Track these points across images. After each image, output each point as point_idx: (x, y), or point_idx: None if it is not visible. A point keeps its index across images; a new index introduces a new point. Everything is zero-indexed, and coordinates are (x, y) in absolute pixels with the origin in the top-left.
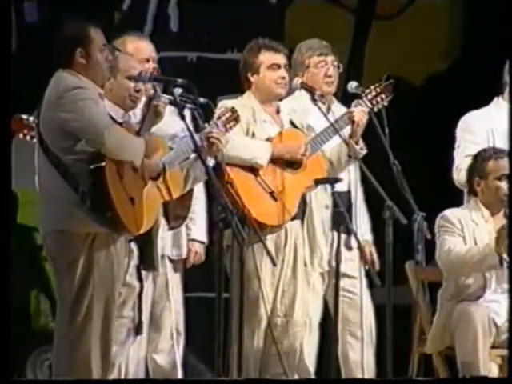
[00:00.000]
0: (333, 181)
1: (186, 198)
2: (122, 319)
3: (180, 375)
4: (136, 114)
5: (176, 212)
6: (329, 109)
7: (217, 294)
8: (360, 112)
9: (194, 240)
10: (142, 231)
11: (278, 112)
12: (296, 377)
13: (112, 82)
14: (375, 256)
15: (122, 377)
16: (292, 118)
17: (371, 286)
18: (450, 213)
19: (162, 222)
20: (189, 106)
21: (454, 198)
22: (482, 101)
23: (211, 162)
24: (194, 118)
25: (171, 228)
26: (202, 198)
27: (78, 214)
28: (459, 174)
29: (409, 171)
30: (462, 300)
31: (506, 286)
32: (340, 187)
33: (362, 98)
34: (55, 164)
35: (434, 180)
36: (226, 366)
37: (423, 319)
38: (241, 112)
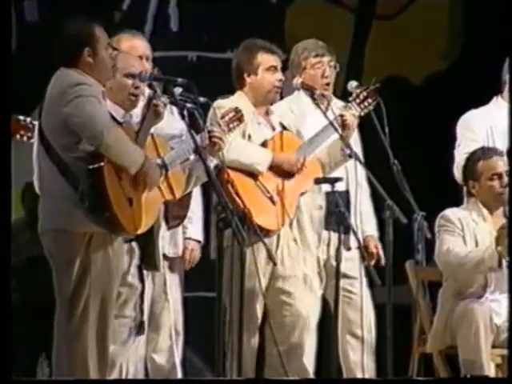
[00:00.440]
0: (333, 181)
1: (185, 197)
2: (124, 319)
3: (179, 375)
4: (137, 114)
5: (175, 212)
6: (328, 105)
7: (217, 294)
8: (351, 116)
9: (189, 238)
10: (139, 232)
11: (267, 114)
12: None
13: (111, 81)
14: (381, 252)
15: (123, 377)
16: (282, 121)
17: (371, 285)
18: (451, 212)
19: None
20: (189, 105)
21: (454, 198)
22: (482, 100)
23: (212, 163)
24: (194, 118)
25: (170, 227)
26: (199, 196)
27: (76, 213)
28: (460, 172)
29: (409, 171)
30: (463, 299)
31: (506, 285)
32: (338, 186)
33: (350, 102)
34: (56, 162)
35: (433, 180)
36: (225, 366)
37: (423, 319)
38: None
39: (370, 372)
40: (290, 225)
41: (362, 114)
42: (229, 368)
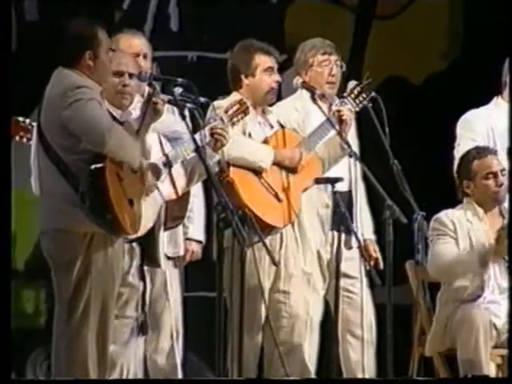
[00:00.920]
0: (333, 180)
1: (184, 198)
2: (125, 319)
3: (180, 375)
4: (136, 113)
5: (174, 212)
6: (330, 106)
7: (217, 294)
8: (348, 111)
9: (190, 239)
10: (139, 234)
11: (264, 113)
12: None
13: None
14: (378, 254)
15: (124, 377)
16: (287, 119)
17: (372, 285)
18: (444, 214)
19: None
20: (189, 105)
21: (454, 198)
22: (482, 100)
23: (215, 158)
24: (194, 118)
25: (167, 228)
26: (201, 196)
27: (76, 214)
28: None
29: (409, 171)
30: (462, 302)
31: (504, 285)
32: (341, 187)
33: (345, 97)
34: (55, 162)
35: (434, 180)
36: (226, 366)
37: (423, 319)
38: None
39: (370, 372)
40: (292, 224)
41: (358, 109)
42: (229, 368)
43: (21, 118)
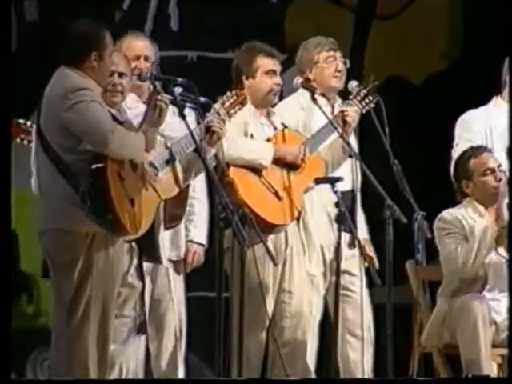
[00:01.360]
0: (333, 180)
1: (182, 196)
2: (124, 319)
3: (181, 375)
4: (140, 113)
5: (172, 211)
6: (333, 108)
7: (217, 294)
8: (353, 112)
9: (192, 241)
10: (140, 233)
11: (268, 115)
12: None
13: None
14: (374, 254)
15: (123, 376)
16: (285, 122)
17: (371, 285)
18: (448, 213)
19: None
20: (189, 105)
21: (454, 198)
22: (482, 100)
23: (211, 152)
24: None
25: (167, 228)
26: (204, 199)
27: (77, 214)
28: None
29: (409, 170)
30: (462, 296)
31: (504, 284)
32: (344, 186)
33: (351, 99)
34: (55, 162)
35: (433, 179)
36: (226, 366)
37: (423, 319)
38: (239, 114)
39: (368, 371)
40: (298, 225)
41: (364, 111)
42: (231, 368)
43: (21, 121)
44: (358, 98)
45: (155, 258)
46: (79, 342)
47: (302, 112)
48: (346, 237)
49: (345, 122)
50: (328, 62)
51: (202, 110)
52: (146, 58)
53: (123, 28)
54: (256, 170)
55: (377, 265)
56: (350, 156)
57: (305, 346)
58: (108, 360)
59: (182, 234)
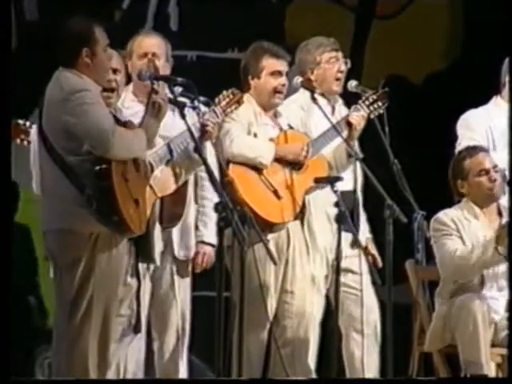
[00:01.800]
0: (333, 180)
1: (180, 194)
2: (119, 317)
3: (183, 375)
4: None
5: (171, 209)
6: (333, 109)
7: (217, 294)
8: (359, 116)
9: (203, 242)
10: (142, 232)
11: (276, 116)
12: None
13: None
14: (376, 253)
15: (121, 375)
16: (294, 120)
17: (373, 284)
18: (443, 214)
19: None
20: (189, 104)
21: (454, 197)
22: (482, 100)
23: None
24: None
25: (166, 226)
26: (215, 199)
27: (82, 214)
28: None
29: (409, 170)
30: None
31: (503, 283)
32: (344, 186)
33: (359, 103)
34: (59, 164)
35: (433, 179)
36: (226, 366)
37: (423, 318)
38: (243, 113)
39: (374, 370)
40: (302, 225)
41: (372, 116)
42: (231, 367)
43: (21, 121)
44: (367, 102)
45: (149, 258)
46: (79, 342)
47: (302, 112)
48: (347, 236)
49: (349, 124)
50: (330, 62)
51: (202, 110)
52: (154, 55)
53: (123, 27)
54: (256, 168)
55: (380, 264)
56: (350, 156)
57: (307, 345)
58: (108, 361)
59: (191, 235)
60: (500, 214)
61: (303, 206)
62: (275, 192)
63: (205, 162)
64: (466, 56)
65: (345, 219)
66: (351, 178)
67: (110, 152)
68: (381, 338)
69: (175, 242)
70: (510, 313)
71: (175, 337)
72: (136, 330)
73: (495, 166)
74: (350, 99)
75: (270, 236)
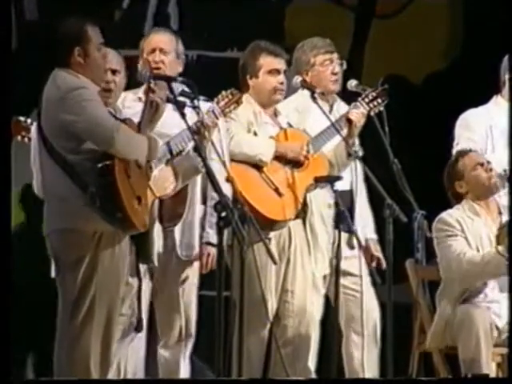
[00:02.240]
0: (333, 179)
1: (180, 194)
2: (121, 317)
3: (184, 375)
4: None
5: (171, 210)
6: (331, 108)
7: (217, 294)
8: (358, 113)
9: (209, 243)
10: (146, 228)
11: (275, 115)
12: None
13: None
14: (381, 255)
15: (121, 374)
16: (290, 121)
17: (373, 284)
18: (447, 214)
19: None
20: (189, 104)
21: (452, 203)
22: (482, 99)
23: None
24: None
25: (167, 226)
26: None
27: (85, 212)
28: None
29: (409, 170)
30: (463, 301)
31: (504, 283)
32: (342, 186)
33: (359, 101)
34: (60, 163)
35: (434, 179)
36: (226, 366)
37: (423, 318)
38: (242, 113)
39: (373, 370)
40: (304, 225)
41: (372, 113)
42: (231, 367)
43: (22, 118)
44: (366, 99)
45: (147, 259)
46: (81, 342)
47: (296, 114)
48: (346, 237)
49: (349, 121)
50: (324, 65)
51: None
52: (162, 51)
53: (123, 27)
54: (257, 166)
55: (384, 265)
56: (349, 154)
57: (307, 345)
58: (110, 360)
59: (195, 235)
60: (501, 213)
61: (304, 204)
62: (276, 190)
63: (204, 162)
64: (466, 56)
65: (344, 219)
66: (349, 178)
67: (114, 147)
68: (381, 338)
69: (178, 242)
70: (510, 313)
71: (177, 337)
72: (137, 329)
73: (488, 162)
74: (350, 99)
75: (271, 234)
